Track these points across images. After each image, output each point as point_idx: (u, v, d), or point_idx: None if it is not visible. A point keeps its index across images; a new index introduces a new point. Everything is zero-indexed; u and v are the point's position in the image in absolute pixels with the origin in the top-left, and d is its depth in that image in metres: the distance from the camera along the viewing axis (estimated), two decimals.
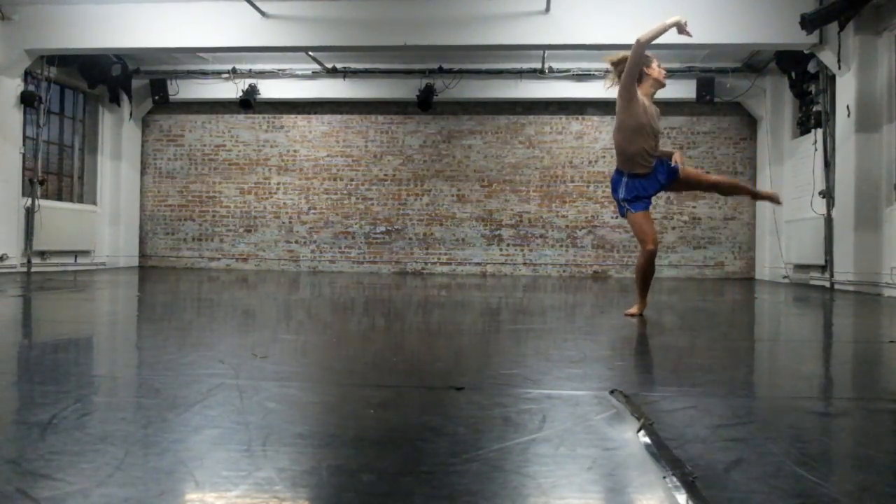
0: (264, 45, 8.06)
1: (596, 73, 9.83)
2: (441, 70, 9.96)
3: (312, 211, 10.92)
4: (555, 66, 9.83)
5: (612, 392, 1.89)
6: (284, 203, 10.96)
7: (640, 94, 4.00)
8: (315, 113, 10.94)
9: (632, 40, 3.89)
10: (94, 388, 1.97)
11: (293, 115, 10.98)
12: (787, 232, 9.16)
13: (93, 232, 10.14)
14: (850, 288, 7.10)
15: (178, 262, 11.13)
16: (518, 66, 9.87)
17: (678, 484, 1.18)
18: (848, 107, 7.15)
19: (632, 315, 4.11)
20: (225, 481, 1.18)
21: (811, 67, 8.21)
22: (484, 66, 9.97)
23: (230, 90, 10.38)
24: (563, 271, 10.53)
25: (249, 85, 10.23)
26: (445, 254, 10.70)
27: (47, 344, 2.91)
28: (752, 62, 9.59)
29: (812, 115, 8.21)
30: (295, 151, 10.98)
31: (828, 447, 1.54)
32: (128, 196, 10.80)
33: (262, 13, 7.77)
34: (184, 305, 4.89)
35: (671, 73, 9.72)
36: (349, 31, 7.85)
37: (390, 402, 1.84)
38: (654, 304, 5.61)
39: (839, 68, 7.21)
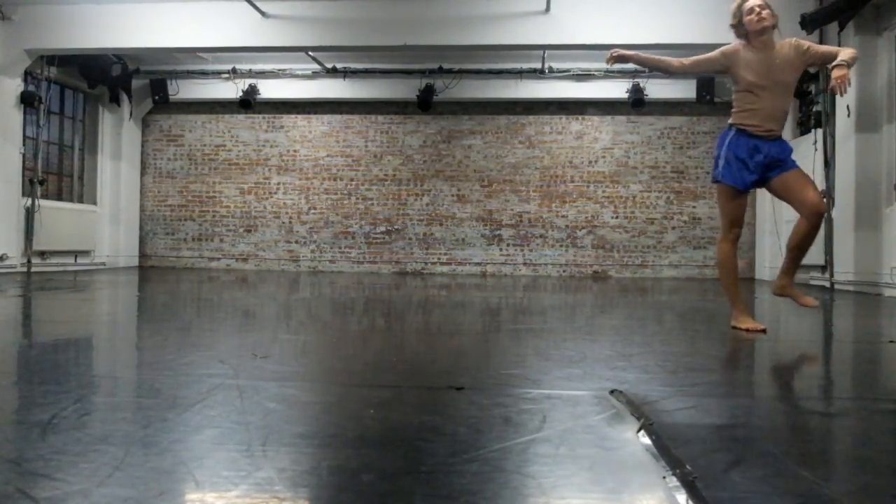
0: (264, 45, 8.06)
1: (596, 73, 9.83)
2: (441, 70, 9.95)
3: (312, 211, 10.91)
4: (555, 66, 9.83)
5: (612, 392, 1.89)
6: (284, 203, 10.95)
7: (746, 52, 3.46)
8: (315, 113, 10.93)
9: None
10: (94, 388, 1.97)
11: (293, 115, 10.97)
12: (787, 232, 9.13)
13: (93, 232, 10.14)
14: (850, 288, 7.10)
15: (178, 262, 11.13)
16: (518, 66, 9.86)
17: (678, 484, 1.18)
18: (848, 107, 7.14)
19: (747, 330, 3.40)
20: (225, 481, 1.18)
21: (811, 67, 8.20)
22: (484, 66, 9.97)
23: (230, 90, 10.37)
24: (563, 271, 10.53)
25: (249, 85, 10.23)
26: (445, 254, 10.69)
27: (47, 344, 2.91)
28: None
29: (812, 115, 8.20)
30: (295, 151, 10.98)
31: (828, 447, 1.54)
32: (128, 196, 10.79)
33: (262, 13, 7.77)
34: (184, 305, 4.89)
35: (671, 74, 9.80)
36: (349, 31, 7.85)
37: (390, 402, 1.84)
38: (655, 305, 5.62)
39: None
